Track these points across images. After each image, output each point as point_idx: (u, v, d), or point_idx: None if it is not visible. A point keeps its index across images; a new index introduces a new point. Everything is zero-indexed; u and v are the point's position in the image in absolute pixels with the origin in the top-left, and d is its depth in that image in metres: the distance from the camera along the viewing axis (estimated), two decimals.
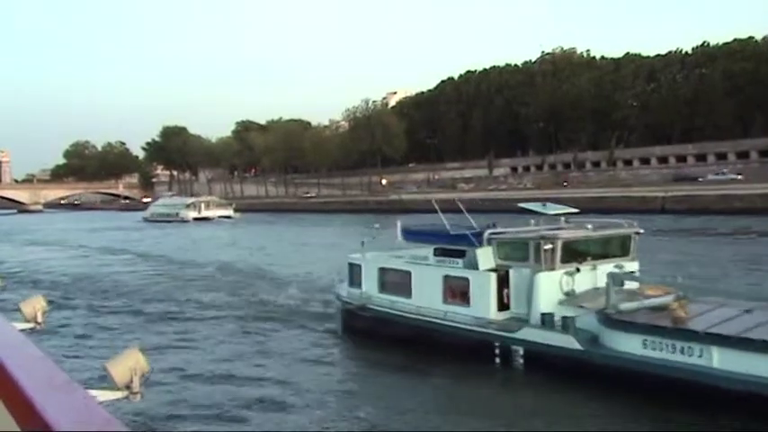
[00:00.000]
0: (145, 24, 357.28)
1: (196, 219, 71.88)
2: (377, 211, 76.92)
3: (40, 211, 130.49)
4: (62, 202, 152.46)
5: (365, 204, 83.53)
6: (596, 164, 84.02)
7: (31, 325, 3.33)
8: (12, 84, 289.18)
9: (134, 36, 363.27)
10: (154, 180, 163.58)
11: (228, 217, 74.01)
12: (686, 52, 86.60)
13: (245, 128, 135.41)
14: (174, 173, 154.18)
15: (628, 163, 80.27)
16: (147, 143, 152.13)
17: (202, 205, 77.80)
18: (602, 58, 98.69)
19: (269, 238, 49.14)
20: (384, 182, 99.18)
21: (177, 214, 74.75)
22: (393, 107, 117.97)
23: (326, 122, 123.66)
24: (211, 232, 58.51)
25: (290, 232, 54.75)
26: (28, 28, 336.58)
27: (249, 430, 10.15)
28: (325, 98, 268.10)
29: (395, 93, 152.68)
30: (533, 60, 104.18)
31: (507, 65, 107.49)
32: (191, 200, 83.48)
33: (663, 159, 77.06)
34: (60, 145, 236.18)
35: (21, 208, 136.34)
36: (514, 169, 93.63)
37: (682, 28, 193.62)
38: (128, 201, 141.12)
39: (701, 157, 73.09)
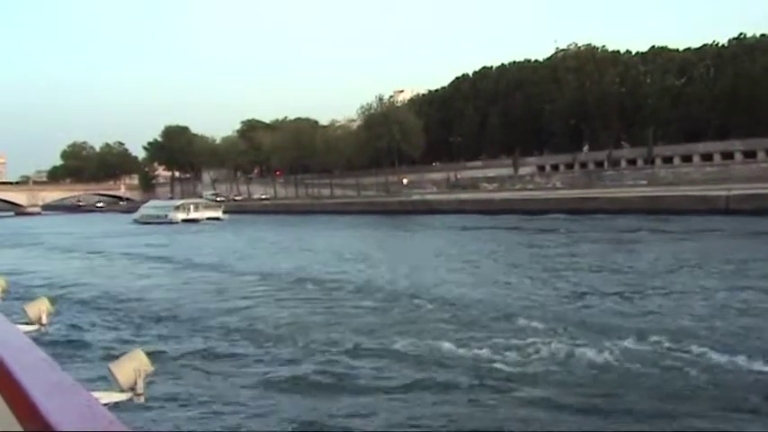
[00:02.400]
0: (144, 21, 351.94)
1: (185, 220, 70.94)
2: (399, 213, 73.14)
3: (38, 214, 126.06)
4: (79, 203, 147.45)
5: (385, 206, 79.49)
6: (631, 162, 79.96)
7: (35, 327, 3.09)
8: (5, 84, 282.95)
9: (133, 33, 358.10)
10: (154, 181, 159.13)
11: (217, 218, 72.93)
12: (722, 45, 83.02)
13: (250, 127, 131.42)
14: (177, 173, 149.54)
15: (667, 160, 76.22)
16: (149, 143, 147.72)
17: (191, 207, 76.93)
18: (627, 52, 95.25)
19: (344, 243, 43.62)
20: (405, 181, 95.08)
21: (166, 216, 73.68)
22: (404, 105, 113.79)
23: (330, 121, 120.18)
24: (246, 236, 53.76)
25: (338, 236, 49.54)
26: (21, 24, 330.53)
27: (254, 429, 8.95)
28: (326, 96, 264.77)
29: (402, 91, 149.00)
30: (549, 57, 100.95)
31: (527, 60, 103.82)
32: (179, 201, 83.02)
33: (707, 157, 73.05)
34: (56, 146, 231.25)
35: (18, 210, 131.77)
36: (541, 168, 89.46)
37: (709, 22, 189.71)
38: (129, 202, 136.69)
39: (750, 154, 69.11)
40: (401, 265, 26.22)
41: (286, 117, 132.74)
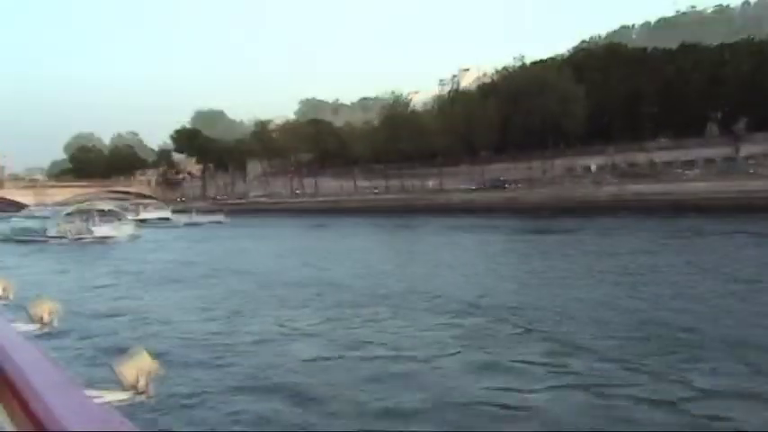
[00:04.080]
0: (147, 22, 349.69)
1: (187, 224, 72.82)
2: (424, 212, 71.22)
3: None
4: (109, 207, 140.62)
5: (408, 203, 77.79)
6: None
7: (37, 326, 3.13)
8: (7, 83, 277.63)
9: (138, 33, 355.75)
10: (181, 176, 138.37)
11: (219, 222, 74.92)
12: (760, 40, 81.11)
13: (313, 107, 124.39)
14: (210, 165, 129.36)
15: None
16: (177, 131, 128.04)
17: (194, 211, 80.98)
18: (654, 48, 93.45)
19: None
20: (431, 184, 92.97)
21: (168, 219, 77.35)
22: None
23: (345, 122, 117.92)
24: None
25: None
26: (22, 24, 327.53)
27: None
28: (335, 97, 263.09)
29: (467, 69, 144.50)
30: (566, 55, 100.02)
31: (551, 58, 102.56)
32: (181, 206, 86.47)
33: None
34: (59, 142, 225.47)
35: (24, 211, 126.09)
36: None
37: None
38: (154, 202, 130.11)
39: None
40: (488, 274, 23.00)
41: (337, 100, 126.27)
